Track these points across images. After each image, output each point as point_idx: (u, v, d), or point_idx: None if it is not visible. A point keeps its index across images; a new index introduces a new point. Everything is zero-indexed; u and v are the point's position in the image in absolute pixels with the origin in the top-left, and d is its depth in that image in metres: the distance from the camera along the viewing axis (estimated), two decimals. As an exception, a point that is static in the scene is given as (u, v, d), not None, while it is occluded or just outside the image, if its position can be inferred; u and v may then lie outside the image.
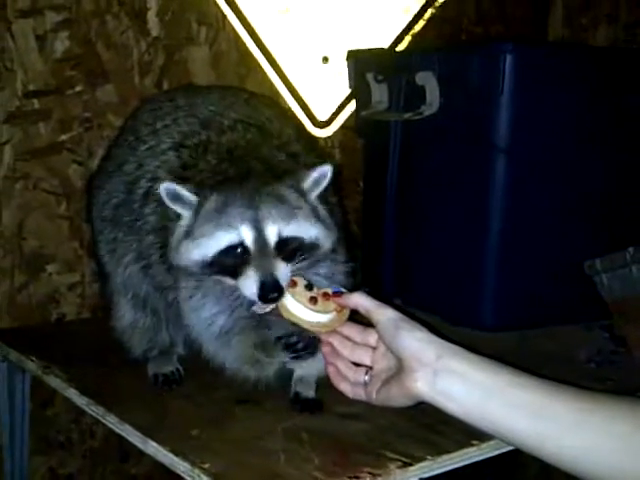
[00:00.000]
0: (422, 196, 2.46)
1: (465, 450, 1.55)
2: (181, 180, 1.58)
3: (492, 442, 1.57)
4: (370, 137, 2.66)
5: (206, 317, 1.65)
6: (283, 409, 1.69)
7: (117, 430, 1.63)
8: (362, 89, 2.57)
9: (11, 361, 2.06)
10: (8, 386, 2.14)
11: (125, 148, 1.84)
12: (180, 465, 1.44)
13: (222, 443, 1.52)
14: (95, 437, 2.38)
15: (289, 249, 1.48)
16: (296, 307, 1.46)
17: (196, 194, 1.50)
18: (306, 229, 1.53)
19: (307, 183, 1.56)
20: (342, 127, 2.80)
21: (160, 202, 1.61)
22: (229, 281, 1.50)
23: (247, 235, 1.45)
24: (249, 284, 1.44)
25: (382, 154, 2.55)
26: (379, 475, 1.42)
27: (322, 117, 2.75)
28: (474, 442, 1.56)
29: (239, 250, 1.46)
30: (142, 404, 1.67)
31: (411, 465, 1.47)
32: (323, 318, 1.48)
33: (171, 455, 1.47)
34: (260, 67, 2.59)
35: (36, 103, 2.20)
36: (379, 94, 2.50)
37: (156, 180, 1.67)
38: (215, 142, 1.67)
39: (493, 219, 2.27)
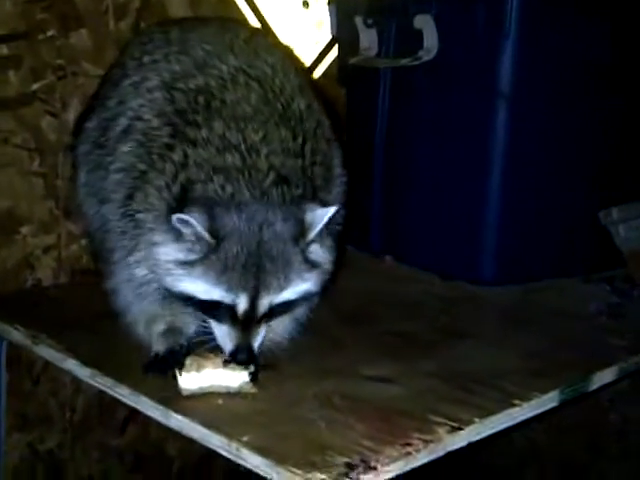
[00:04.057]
0: (415, 146, 2.35)
1: (509, 411, 1.46)
2: (172, 127, 1.48)
3: (534, 401, 1.49)
4: (355, 86, 2.54)
5: (139, 272, 1.52)
6: (305, 372, 1.57)
7: (130, 403, 1.48)
8: (347, 34, 2.44)
9: (-12, 331, 1.87)
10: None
11: (109, 83, 1.71)
12: (214, 439, 1.31)
13: (253, 413, 1.39)
14: (75, 410, 2.22)
15: (273, 314, 1.47)
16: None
17: (212, 234, 1.38)
18: (298, 289, 1.46)
19: (313, 234, 1.45)
20: (323, 76, 2.66)
21: (141, 143, 1.50)
22: (204, 317, 1.47)
23: (242, 303, 1.41)
24: (224, 340, 1.44)
25: (369, 104, 2.44)
26: (430, 441, 1.32)
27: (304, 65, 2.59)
28: (515, 402, 1.47)
29: (228, 310, 1.42)
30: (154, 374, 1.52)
31: (460, 429, 1.37)
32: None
33: (202, 428, 1.33)
34: (240, 11, 2.43)
35: (4, 49, 2.00)
36: (368, 40, 2.38)
37: (139, 119, 1.53)
38: (218, 98, 1.52)
39: (494, 168, 2.19)
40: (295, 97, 1.59)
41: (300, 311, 1.62)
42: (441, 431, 1.35)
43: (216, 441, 1.31)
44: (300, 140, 1.52)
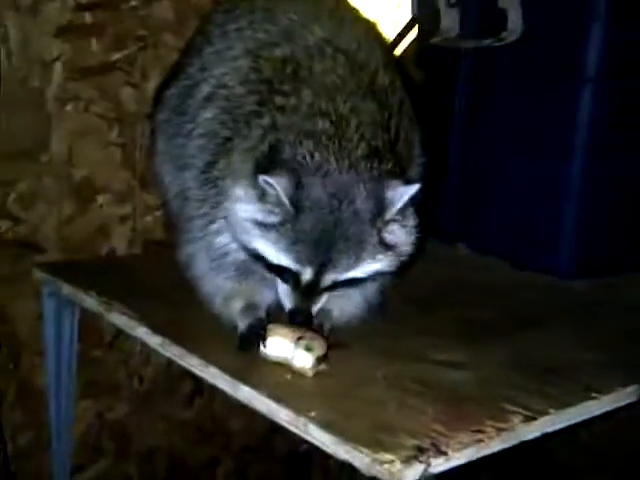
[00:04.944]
0: (494, 131, 2.30)
1: (587, 403, 1.41)
2: (259, 95, 1.46)
3: (612, 394, 1.44)
4: (434, 69, 2.49)
5: (218, 242, 1.51)
6: (375, 353, 1.54)
7: (198, 373, 1.47)
8: (428, 14, 2.37)
9: (61, 297, 1.89)
10: (54, 325, 1.98)
11: (192, 50, 1.70)
12: (282, 413, 1.29)
13: (322, 390, 1.38)
14: (143, 381, 2.24)
15: (337, 288, 1.44)
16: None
17: (293, 203, 1.35)
18: (368, 269, 1.42)
19: (392, 212, 1.40)
20: (401, 57, 2.60)
21: (225, 110, 1.49)
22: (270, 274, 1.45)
23: (307, 274, 1.39)
24: (284, 298, 1.44)
25: (447, 87, 2.39)
26: (503, 430, 1.28)
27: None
28: (594, 394, 1.42)
29: (293, 275, 1.41)
30: (222, 344, 1.51)
31: (534, 419, 1.33)
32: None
33: (270, 401, 1.32)
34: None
35: (88, 17, 2.01)
36: (449, 20, 2.31)
37: (223, 87, 1.52)
38: (306, 67, 1.49)
39: (576, 155, 2.12)
40: (379, 72, 1.55)
41: (372, 292, 1.59)
42: (515, 420, 1.31)
43: (284, 415, 1.29)
44: (386, 115, 1.48)
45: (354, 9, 1.78)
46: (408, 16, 2.52)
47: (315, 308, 1.43)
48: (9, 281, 1.98)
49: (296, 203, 1.35)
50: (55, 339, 2.00)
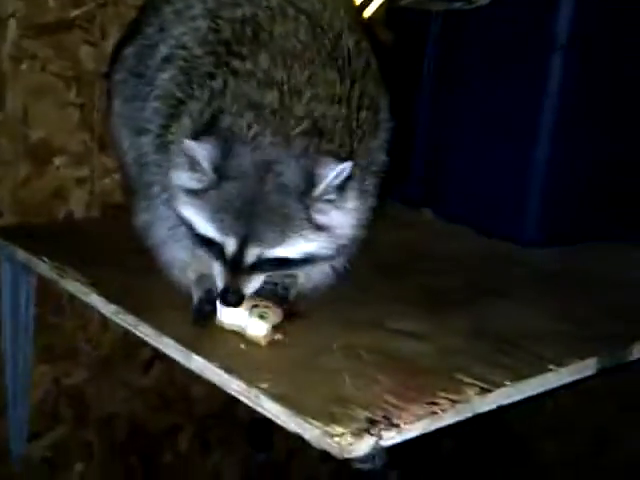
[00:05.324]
0: (461, 97, 2.26)
1: (544, 375, 1.40)
2: (215, 57, 1.41)
3: (571, 367, 1.43)
4: (403, 31, 2.44)
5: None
6: (334, 322, 1.52)
7: (152, 343, 1.44)
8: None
9: (17, 262, 1.84)
10: (11, 289, 1.94)
11: (151, 9, 1.64)
12: (233, 384, 1.27)
13: (276, 360, 1.35)
14: (102, 346, 2.20)
15: (267, 266, 1.37)
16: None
17: (215, 170, 1.32)
18: (298, 249, 1.36)
19: (320, 189, 1.33)
20: (370, 19, 2.55)
21: (182, 71, 1.44)
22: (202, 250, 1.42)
23: (230, 247, 1.34)
24: (216, 277, 1.39)
25: (417, 50, 2.35)
26: (457, 402, 1.26)
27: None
28: (551, 367, 1.41)
29: (220, 249, 1.36)
30: (177, 314, 1.48)
31: (490, 391, 1.31)
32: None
33: (221, 372, 1.29)
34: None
35: (45, -28, 1.93)
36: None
37: (181, 47, 1.47)
38: (266, 29, 1.44)
39: (543, 123, 2.10)
40: (344, 34, 1.50)
41: (339, 259, 1.56)
42: (470, 392, 1.29)
43: (235, 386, 1.26)
44: (348, 82, 1.44)
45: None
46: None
47: (248, 289, 1.37)
48: (-39, 245, 1.92)
49: (221, 171, 1.32)
50: (12, 304, 1.96)
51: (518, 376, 1.37)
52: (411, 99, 2.37)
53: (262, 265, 1.37)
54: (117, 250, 1.78)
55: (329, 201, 1.36)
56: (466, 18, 2.19)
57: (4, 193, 1.97)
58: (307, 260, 1.40)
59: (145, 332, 1.45)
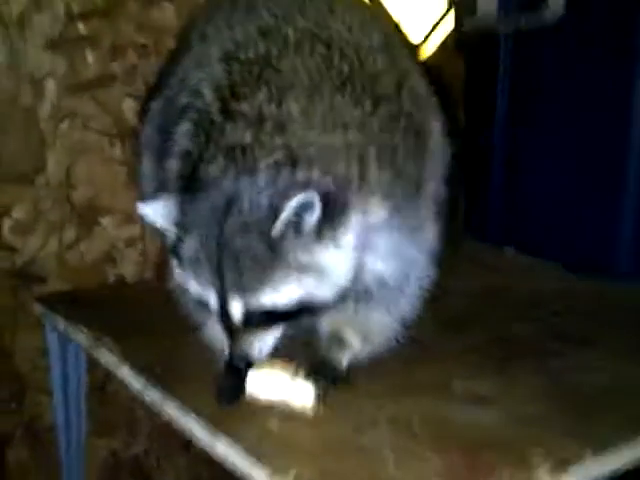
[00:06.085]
0: (540, 121, 2.09)
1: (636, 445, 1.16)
2: (223, 111, 1.26)
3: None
4: (473, 56, 2.27)
5: None
6: (385, 390, 1.34)
7: (177, 426, 1.29)
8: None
9: (59, 331, 1.74)
10: (60, 359, 1.84)
11: (174, 57, 1.54)
12: (258, 472, 1.09)
13: (311, 440, 1.17)
14: (162, 415, 2.06)
15: (262, 320, 1.22)
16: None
17: (177, 226, 1.23)
18: (285, 294, 1.19)
19: (279, 225, 1.16)
20: (439, 48, 2.39)
21: (196, 122, 1.30)
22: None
23: (212, 302, 1.22)
24: (223, 346, 1.27)
25: (489, 74, 2.17)
26: (523, 483, 1.06)
27: (415, 38, 2.33)
28: (644, 436, 1.18)
29: (208, 307, 1.24)
30: (208, 390, 1.31)
31: (565, 469, 1.10)
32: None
33: (246, 457, 1.12)
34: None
35: (82, 27, 1.86)
36: (486, 1, 2.11)
37: (197, 95, 1.33)
38: (273, 66, 1.29)
39: (633, 146, 1.87)
40: (372, 55, 1.34)
41: (404, 307, 1.39)
42: (540, 471, 1.08)
43: (260, 475, 1.09)
44: (368, 104, 1.27)
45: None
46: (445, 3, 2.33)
47: (254, 350, 1.23)
48: (9, 314, 1.86)
49: (183, 225, 1.22)
50: (61, 374, 1.86)
51: (602, 447, 1.14)
52: (486, 129, 2.19)
53: (255, 320, 1.21)
54: (161, 316, 1.64)
55: (312, 237, 1.18)
56: (537, 37, 2.00)
57: (49, 259, 1.89)
58: (304, 308, 1.22)
59: (170, 410, 1.31)
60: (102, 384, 1.96)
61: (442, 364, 1.44)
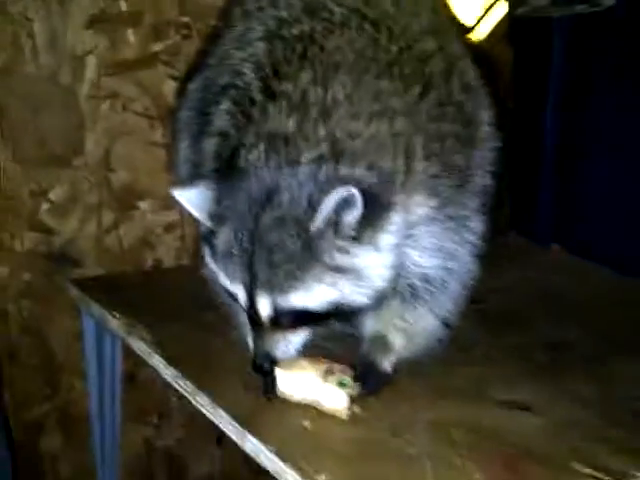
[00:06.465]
0: (595, 115, 1.99)
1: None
2: (264, 93, 1.21)
3: None
4: (525, 45, 2.19)
5: None
6: (424, 390, 1.28)
7: (207, 414, 1.25)
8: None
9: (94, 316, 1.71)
10: (95, 345, 1.81)
11: (215, 38, 1.49)
12: (286, 474, 1.05)
13: (344, 443, 1.13)
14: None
15: (290, 320, 1.17)
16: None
17: (210, 216, 1.19)
18: (318, 297, 1.13)
19: (319, 223, 1.10)
20: (490, 36, 2.29)
21: (236, 102, 1.26)
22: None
23: (241, 297, 1.18)
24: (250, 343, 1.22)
25: (541, 64, 2.09)
26: (570, 502, 0.99)
27: (467, 20, 2.24)
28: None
29: (237, 301, 1.20)
30: (241, 380, 1.27)
31: (614, 487, 1.03)
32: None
33: (275, 458, 1.07)
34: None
35: (123, 4, 1.82)
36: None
37: (238, 75, 1.29)
38: (318, 45, 1.23)
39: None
40: (422, 38, 1.27)
41: (447, 307, 1.32)
42: (588, 488, 1.02)
43: (289, 477, 1.04)
44: (417, 89, 1.20)
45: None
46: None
47: (278, 351, 1.18)
48: (44, 298, 1.83)
49: (217, 215, 1.17)
50: (97, 361, 1.83)
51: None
52: (536, 122, 2.10)
53: (284, 318, 1.16)
54: (195, 303, 1.60)
55: (351, 237, 1.12)
56: (593, 23, 1.91)
57: (86, 242, 1.86)
58: (338, 311, 1.16)
59: (201, 402, 1.26)
60: (135, 370, 1.92)
61: (483, 367, 1.38)
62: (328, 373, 1.18)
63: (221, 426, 1.22)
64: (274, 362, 1.18)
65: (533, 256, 2.01)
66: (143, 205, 1.92)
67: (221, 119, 1.30)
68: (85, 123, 1.83)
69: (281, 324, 1.16)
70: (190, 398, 1.30)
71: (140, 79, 1.87)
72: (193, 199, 1.20)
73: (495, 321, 1.57)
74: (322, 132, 1.13)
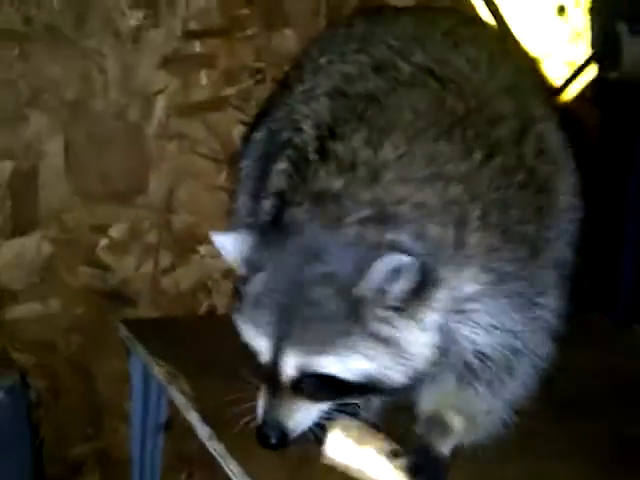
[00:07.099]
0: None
1: None
2: (319, 154, 1.15)
3: None
4: (613, 108, 2.09)
5: None
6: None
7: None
8: (609, 45, 2.00)
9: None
10: (143, 387, 1.76)
11: (284, 88, 1.43)
12: None
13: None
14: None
15: (314, 387, 1.08)
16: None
17: (246, 263, 1.12)
18: (351, 364, 1.05)
19: (366, 288, 1.03)
20: (577, 98, 2.21)
21: (293, 161, 1.20)
22: None
23: (263, 352, 1.10)
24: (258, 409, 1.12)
25: (628, 129, 1.98)
26: None
27: (555, 82, 2.17)
28: None
29: (256, 358, 1.12)
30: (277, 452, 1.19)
31: None
32: None
33: None
34: (478, 16, 2.06)
35: (198, 46, 1.82)
36: (633, 49, 1.94)
37: (298, 131, 1.23)
38: (379, 103, 1.17)
39: None
40: (496, 98, 1.20)
41: (514, 387, 1.21)
42: None
43: None
44: (479, 155, 1.12)
45: (487, 28, 1.43)
46: (587, 51, 2.16)
47: (291, 421, 1.08)
48: (94, 335, 1.82)
49: (253, 263, 1.10)
50: (142, 404, 1.78)
51: None
52: (620, 188, 2.00)
53: (307, 384, 1.07)
54: (239, 356, 1.54)
55: (397, 308, 1.04)
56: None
57: (142, 282, 1.84)
58: (370, 385, 1.07)
59: (232, 469, 1.19)
60: (180, 418, 1.87)
61: (541, 459, 1.25)
62: (394, 454, 1.09)
63: (249, 498, 1.14)
64: (284, 436, 1.08)
65: (613, 336, 1.87)
66: (202, 249, 1.90)
67: (279, 179, 1.25)
68: (150, 162, 1.82)
69: (302, 390, 1.08)
70: (221, 462, 1.23)
71: (209, 122, 1.87)
72: (228, 243, 1.14)
73: (562, 406, 1.45)
74: (368, 195, 1.07)
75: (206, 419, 1.32)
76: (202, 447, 1.82)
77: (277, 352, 1.06)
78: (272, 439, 1.08)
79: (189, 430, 1.82)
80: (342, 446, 1.10)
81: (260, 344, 1.09)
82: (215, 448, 1.26)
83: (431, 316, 1.05)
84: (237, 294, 1.15)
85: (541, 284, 1.19)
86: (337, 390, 1.07)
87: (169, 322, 1.80)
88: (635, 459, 1.29)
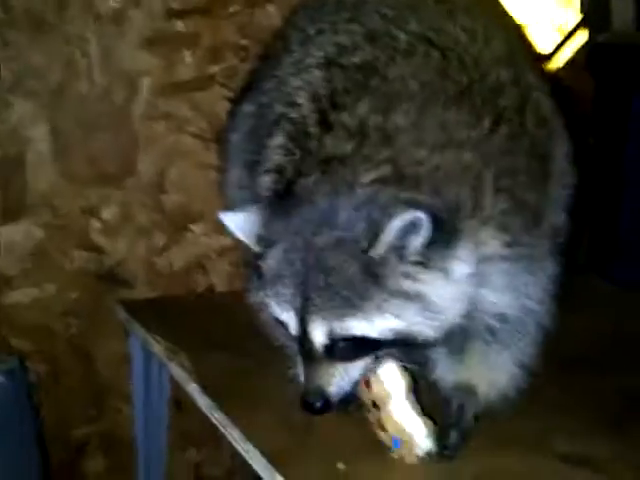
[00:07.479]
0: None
1: None
2: (321, 125, 1.15)
3: None
4: (606, 74, 2.09)
5: None
6: (481, 438, 1.17)
7: (239, 449, 1.19)
8: (599, 6, 2.00)
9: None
10: (143, 367, 1.77)
11: (270, 59, 1.42)
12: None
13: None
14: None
15: (348, 349, 1.08)
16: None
17: (258, 240, 1.12)
18: (380, 323, 1.05)
19: (384, 244, 1.03)
20: (568, 64, 2.21)
21: (291, 136, 1.19)
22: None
23: (291, 323, 1.10)
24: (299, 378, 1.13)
25: (623, 96, 1.99)
26: None
27: (544, 49, 2.17)
28: None
29: (287, 329, 1.11)
30: (276, 416, 1.22)
31: None
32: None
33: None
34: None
35: (180, 25, 1.80)
36: (622, 10, 1.94)
37: (293, 106, 1.22)
38: (380, 74, 1.17)
39: None
40: (495, 68, 1.20)
41: (525, 349, 1.24)
42: None
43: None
44: (487, 122, 1.13)
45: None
46: (577, 15, 2.16)
47: (332, 386, 1.08)
48: (92, 317, 1.82)
49: (266, 239, 1.10)
50: (143, 383, 1.79)
51: None
52: (617, 155, 2.00)
53: (340, 348, 1.07)
54: (242, 331, 1.55)
55: (421, 263, 1.04)
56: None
57: (137, 263, 1.84)
58: (402, 341, 1.07)
59: (234, 436, 1.20)
60: (185, 396, 1.88)
61: (548, 415, 1.26)
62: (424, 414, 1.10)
63: (251, 462, 1.15)
64: (328, 401, 1.08)
65: (611, 298, 1.87)
66: (196, 228, 1.90)
67: (276, 155, 1.24)
68: (138, 143, 1.81)
69: (337, 355, 1.08)
70: (222, 430, 1.25)
71: (195, 100, 1.86)
72: (239, 222, 1.14)
73: (566, 364, 1.45)
74: (384, 154, 1.06)
75: (206, 389, 1.33)
76: (207, 424, 1.86)
77: (304, 322, 1.06)
78: (317, 404, 1.08)
79: (194, 407, 1.85)
80: (394, 378, 1.11)
81: (287, 317, 1.08)
82: (216, 417, 1.27)
83: (459, 267, 1.05)
84: (252, 272, 1.15)
85: (542, 251, 1.20)
86: (370, 348, 1.07)
87: (166, 301, 1.80)
88: (627, 413, 1.30)
